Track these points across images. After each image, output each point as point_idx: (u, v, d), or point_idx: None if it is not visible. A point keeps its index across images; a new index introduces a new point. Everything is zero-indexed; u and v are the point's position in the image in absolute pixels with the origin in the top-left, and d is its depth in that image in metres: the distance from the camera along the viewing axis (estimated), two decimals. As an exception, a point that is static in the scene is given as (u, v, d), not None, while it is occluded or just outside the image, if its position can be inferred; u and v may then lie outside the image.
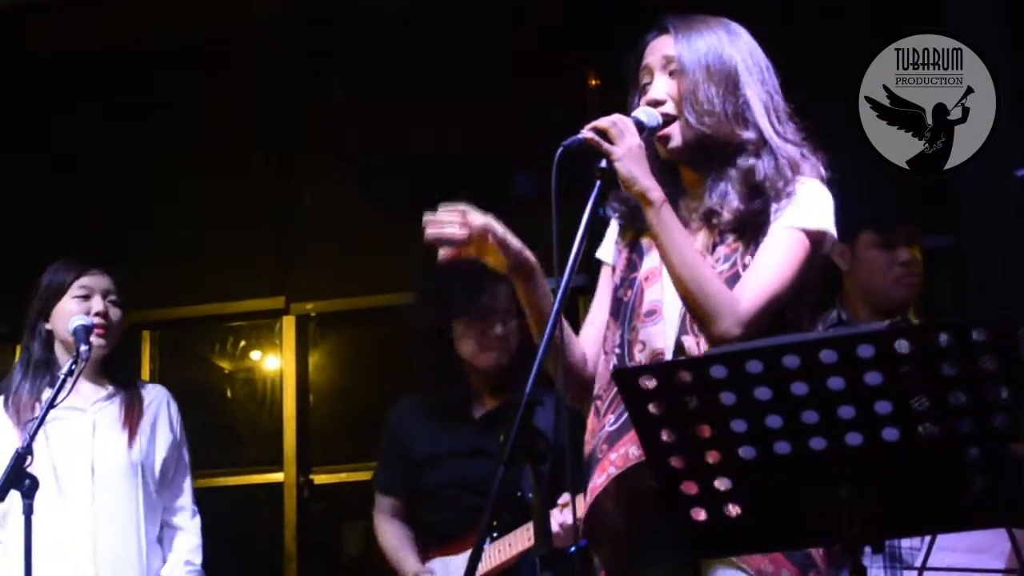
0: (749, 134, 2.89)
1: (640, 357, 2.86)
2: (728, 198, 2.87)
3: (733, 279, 2.82)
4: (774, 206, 2.85)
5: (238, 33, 6.13)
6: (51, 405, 3.83)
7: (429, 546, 4.53)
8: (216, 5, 5.94)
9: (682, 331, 2.84)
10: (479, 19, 5.88)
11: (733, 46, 2.95)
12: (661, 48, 2.97)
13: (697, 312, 2.77)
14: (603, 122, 2.80)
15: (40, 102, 6.37)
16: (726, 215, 2.87)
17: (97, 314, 4.21)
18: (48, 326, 4.27)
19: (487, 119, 5.84)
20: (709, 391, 2.27)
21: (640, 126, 2.84)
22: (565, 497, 4.17)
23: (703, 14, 3.00)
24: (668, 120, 2.92)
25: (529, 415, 2.45)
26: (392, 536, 4.61)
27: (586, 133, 2.79)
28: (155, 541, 4.29)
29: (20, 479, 3.60)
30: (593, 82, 5.61)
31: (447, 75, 5.94)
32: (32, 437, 3.68)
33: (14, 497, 3.66)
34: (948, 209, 5.23)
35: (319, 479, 6.11)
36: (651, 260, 2.93)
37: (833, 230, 2.89)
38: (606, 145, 2.77)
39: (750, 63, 2.94)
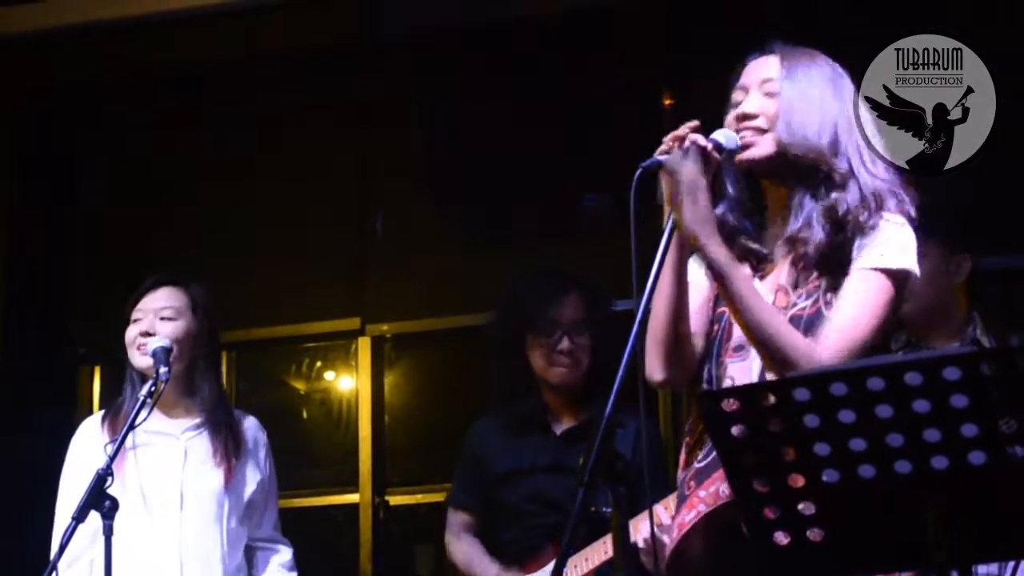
0: (839, 164, 2.90)
1: None
2: (813, 230, 2.88)
3: (815, 316, 2.85)
4: (857, 241, 2.86)
5: (314, 52, 6.15)
6: (131, 427, 3.84)
7: (503, 565, 4.50)
8: (298, 24, 5.98)
9: (768, 366, 2.84)
10: (553, 40, 5.88)
11: (836, 83, 2.99)
12: (761, 69, 3.01)
13: (775, 363, 2.78)
14: (671, 161, 2.82)
15: (123, 114, 6.45)
16: (810, 249, 2.88)
17: (141, 333, 4.21)
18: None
19: (561, 139, 5.83)
20: (792, 414, 2.25)
21: (719, 148, 2.88)
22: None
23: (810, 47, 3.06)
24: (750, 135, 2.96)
25: (609, 438, 2.44)
26: (466, 548, 4.59)
27: (662, 154, 2.82)
28: (236, 571, 4.29)
29: (100, 500, 3.61)
30: (667, 102, 5.60)
31: (520, 96, 5.94)
32: (111, 459, 3.70)
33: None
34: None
35: (394, 500, 6.11)
36: None
37: (916, 268, 2.89)
38: (675, 204, 2.78)
39: (848, 105, 2.96)
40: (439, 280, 6.03)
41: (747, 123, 2.95)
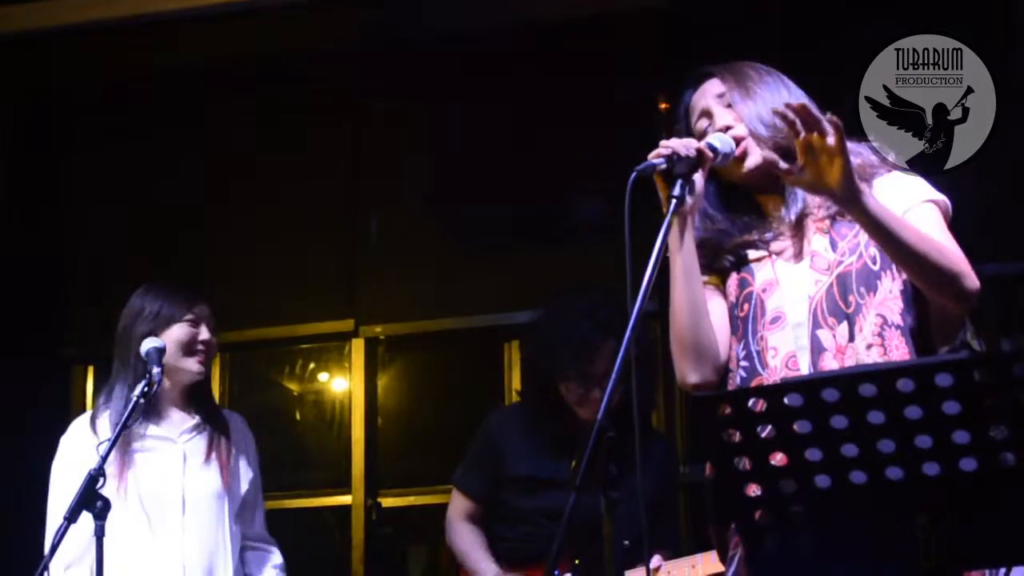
0: None
1: (774, 363, 2.95)
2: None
3: (863, 270, 2.95)
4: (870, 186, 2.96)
5: (311, 54, 6.15)
6: (124, 427, 3.83)
7: (503, 567, 4.47)
8: (297, 26, 5.98)
9: (815, 327, 2.94)
10: (548, 45, 5.88)
11: (772, 73, 3.13)
12: (711, 90, 3.12)
13: (942, 273, 2.85)
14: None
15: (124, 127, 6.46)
16: (832, 210, 2.99)
17: (203, 342, 4.24)
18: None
19: (555, 143, 5.83)
20: (784, 419, 2.25)
21: (714, 151, 2.94)
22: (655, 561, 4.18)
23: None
24: (739, 142, 3.03)
25: (601, 442, 2.43)
26: (467, 539, 4.56)
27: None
28: (237, 570, 4.28)
29: (92, 501, 3.60)
30: (663, 106, 5.60)
31: (515, 101, 5.95)
32: (103, 459, 3.68)
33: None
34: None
35: (387, 502, 6.10)
36: (764, 274, 3.04)
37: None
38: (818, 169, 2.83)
39: (792, 87, 3.12)
40: (433, 282, 6.04)
41: (729, 133, 3.03)
